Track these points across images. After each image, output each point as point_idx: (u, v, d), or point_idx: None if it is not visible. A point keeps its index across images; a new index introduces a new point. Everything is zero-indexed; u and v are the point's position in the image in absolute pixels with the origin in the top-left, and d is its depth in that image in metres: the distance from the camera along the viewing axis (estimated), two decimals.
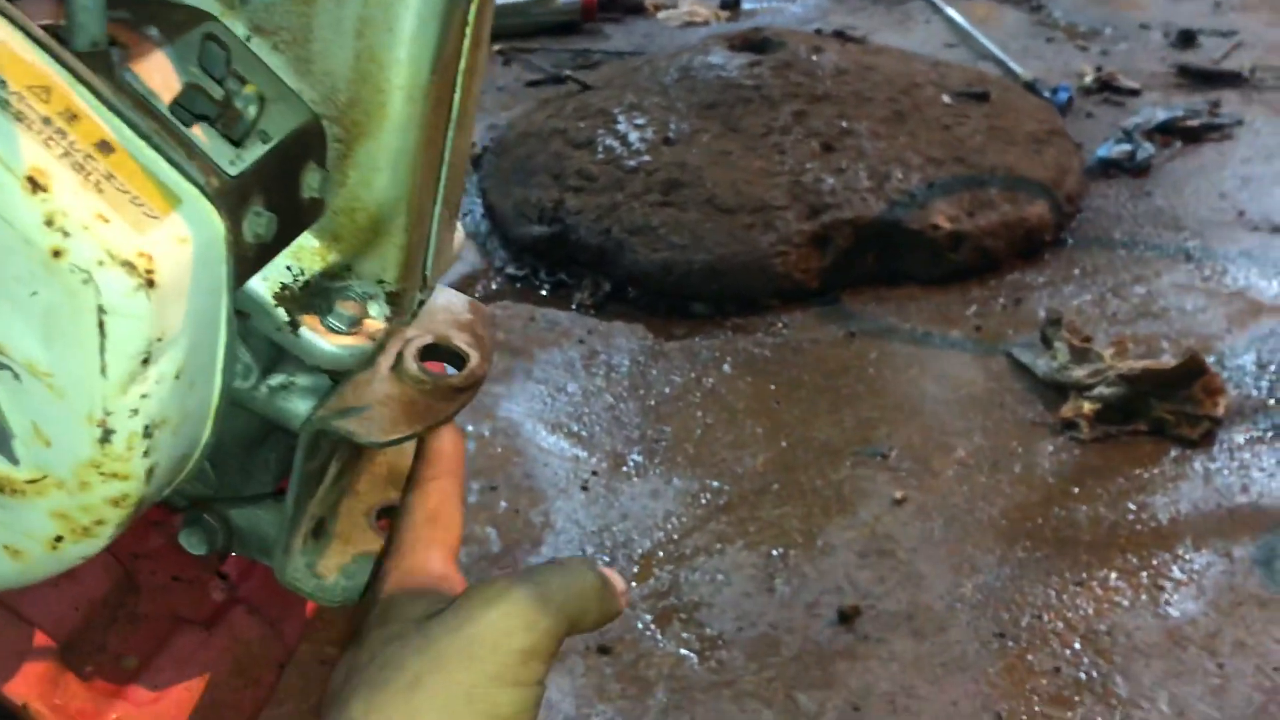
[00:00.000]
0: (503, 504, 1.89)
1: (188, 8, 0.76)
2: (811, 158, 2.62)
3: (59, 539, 0.73)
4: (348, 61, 0.79)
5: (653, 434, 2.06)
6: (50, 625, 0.89)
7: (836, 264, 2.50)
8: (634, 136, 2.75)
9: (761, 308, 2.42)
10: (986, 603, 1.70)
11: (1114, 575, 1.75)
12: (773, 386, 2.19)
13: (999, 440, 2.03)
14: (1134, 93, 3.45)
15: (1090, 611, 1.68)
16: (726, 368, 2.25)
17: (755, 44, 3.05)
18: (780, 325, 2.37)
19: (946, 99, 2.90)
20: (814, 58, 2.92)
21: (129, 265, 0.65)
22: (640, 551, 1.80)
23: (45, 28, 0.67)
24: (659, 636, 1.65)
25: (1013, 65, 3.58)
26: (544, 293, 2.52)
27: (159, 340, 0.68)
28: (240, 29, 0.78)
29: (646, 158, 2.67)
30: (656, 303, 2.47)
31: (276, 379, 0.87)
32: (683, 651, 1.63)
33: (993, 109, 2.92)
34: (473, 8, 0.80)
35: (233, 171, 0.72)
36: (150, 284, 0.66)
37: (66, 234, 0.63)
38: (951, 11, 4.05)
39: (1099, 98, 3.40)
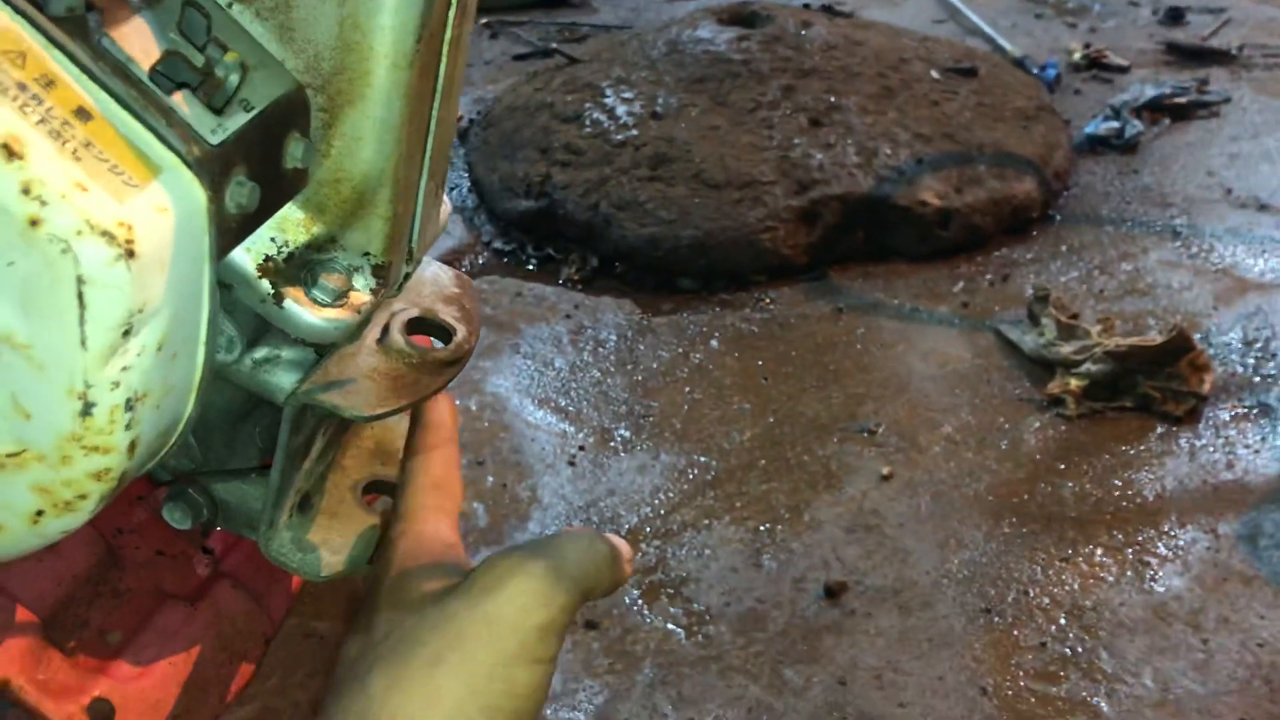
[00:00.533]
0: (490, 479, 1.88)
1: None
2: (800, 133, 2.60)
3: (40, 513, 0.72)
4: (331, 29, 0.78)
5: (640, 409, 2.06)
6: (32, 600, 0.88)
7: (824, 240, 2.49)
8: (622, 110, 2.73)
9: (749, 283, 2.42)
10: (973, 578, 1.70)
11: (1100, 551, 1.75)
12: (760, 362, 2.18)
13: (986, 416, 2.03)
14: (1122, 69, 3.45)
15: (1076, 587, 1.69)
16: (714, 343, 2.24)
17: (744, 18, 3.03)
18: (768, 301, 2.37)
19: (935, 75, 2.89)
20: (803, 32, 2.91)
21: (108, 235, 0.64)
22: (627, 527, 1.80)
23: None
24: (646, 612, 1.65)
25: (1001, 41, 3.57)
26: (531, 267, 2.50)
27: (140, 311, 0.67)
28: None
29: (634, 132, 2.66)
30: (644, 278, 2.46)
31: (261, 352, 0.86)
32: (670, 626, 1.63)
33: (981, 85, 2.91)
34: None
35: (214, 140, 0.71)
36: (130, 254, 0.65)
37: (44, 202, 0.62)
38: None
39: (1087, 74, 3.40)
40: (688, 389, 2.11)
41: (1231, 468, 1.91)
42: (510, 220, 2.64)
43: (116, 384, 0.68)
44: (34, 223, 0.62)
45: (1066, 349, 2.14)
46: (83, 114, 0.65)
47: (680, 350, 2.22)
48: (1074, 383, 2.07)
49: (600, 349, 2.23)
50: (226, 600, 1.00)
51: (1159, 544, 1.77)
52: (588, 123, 2.72)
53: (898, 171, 2.56)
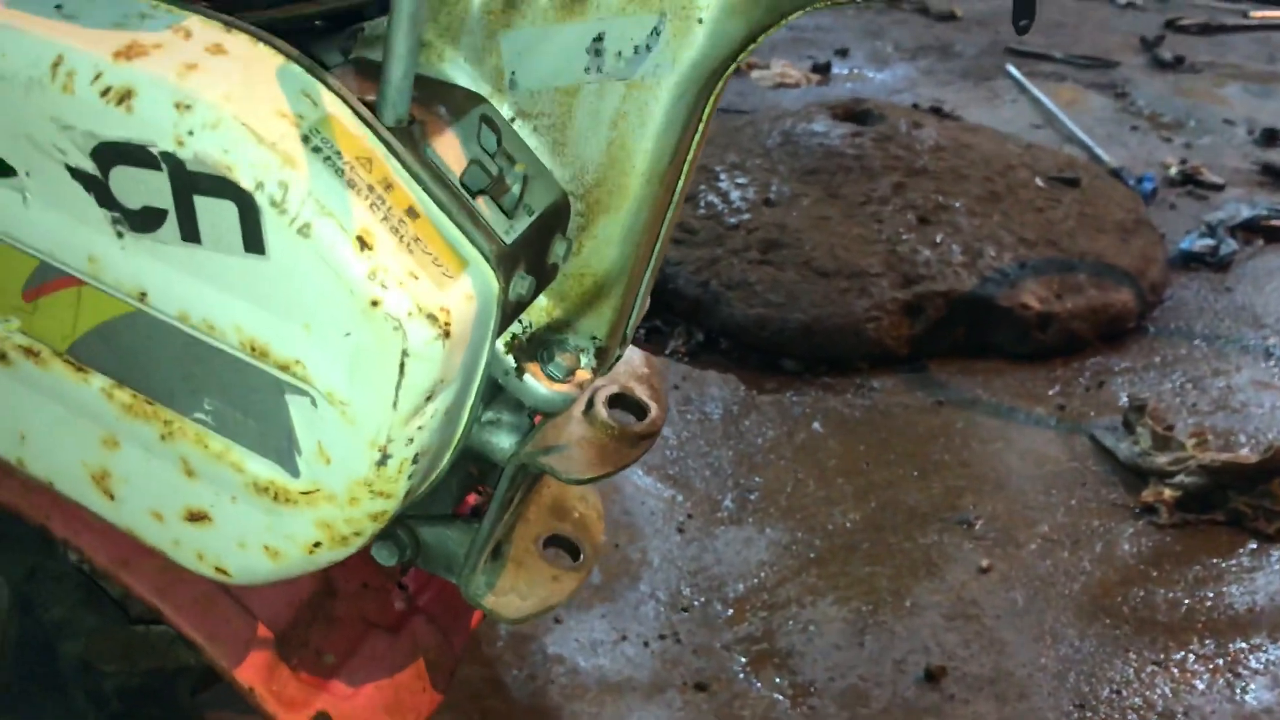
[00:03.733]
0: (602, 538, 1.98)
1: (465, 90, 0.88)
2: (908, 229, 2.71)
3: (317, 544, 0.84)
4: (600, 147, 0.90)
5: (746, 484, 2.15)
6: (269, 619, 0.99)
7: (926, 333, 2.58)
8: (735, 195, 2.85)
9: (851, 369, 2.51)
10: (1066, 673, 1.77)
11: (1191, 659, 1.81)
12: (862, 447, 2.27)
13: (1081, 519, 2.10)
14: (1217, 188, 3.50)
15: (1168, 691, 1.75)
16: (817, 425, 2.33)
17: (857, 115, 3.15)
18: (869, 388, 2.46)
19: (1039, 182, 2.98)
20: (913, 132, 3.02)
21: (432, 317, 0.76)
22: (733, 595, 1.89)
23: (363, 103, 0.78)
24: (753, 679, 1.73)
25: (1099, 151, 3.65)
26: (639, 336, 2.62)
27: (442, 381, 0.79)
28: (506, 111, 0.89)
29: (747, 216, 2.77)
30: (748, 356, 2.56)
31: (488, 415, 0.98)
32: (776, 696, 1.70)
33: (1083, 195, 3.00)
34: (709, 105, 0.91)
35: (508, 240, 0.84)
36: (447, 334, 0.77)
37: (385, 287, 0.75)
38: (1039, 93, 4.14)
39: (1182, 189, 3.46)
40: (792, 468, 2.20)
41: None
42: None
43: (411, 440, 0.80)
44: (374, 303, 0.74)
45: (1161, 459, 2.20)
46: (412, 213, 0.78)
47: (784, 430, 2.31)
48: (1168, 493, 2.14)
49: (707, 421, 2.33)
50: (422, 633, 1.11)
51: (1250, 657, 1.82)
52: (702, 204, 2.84)
53: (1001, 273, 2.65)
